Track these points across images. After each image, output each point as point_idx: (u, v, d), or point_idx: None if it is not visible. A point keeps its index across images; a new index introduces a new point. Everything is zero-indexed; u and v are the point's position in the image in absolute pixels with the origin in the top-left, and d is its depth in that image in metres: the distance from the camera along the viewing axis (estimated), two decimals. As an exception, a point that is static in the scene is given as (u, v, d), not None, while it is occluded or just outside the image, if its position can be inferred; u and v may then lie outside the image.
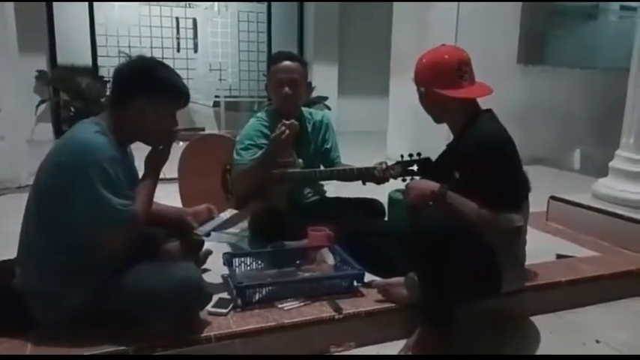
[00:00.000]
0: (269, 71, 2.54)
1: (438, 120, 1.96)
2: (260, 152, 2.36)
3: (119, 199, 1.56)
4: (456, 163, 1.83)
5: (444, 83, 1.83)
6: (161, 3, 7.07)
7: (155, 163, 1.79)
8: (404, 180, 2.28)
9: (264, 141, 2.44)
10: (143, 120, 1.68)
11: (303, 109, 2.65)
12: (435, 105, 1.89)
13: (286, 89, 2.45)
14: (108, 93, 1.81)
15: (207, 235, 1.94)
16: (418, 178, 2.21)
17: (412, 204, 1.82)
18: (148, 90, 1.66)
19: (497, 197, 1.69)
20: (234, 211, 2.06)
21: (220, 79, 7.42)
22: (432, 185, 1.77)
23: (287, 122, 2.21)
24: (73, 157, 1.55)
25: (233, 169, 2.54)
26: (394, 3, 5.20)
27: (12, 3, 3.92)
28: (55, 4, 6.46)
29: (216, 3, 7.33)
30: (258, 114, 2.63)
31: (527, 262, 1.93)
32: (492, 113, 1.88)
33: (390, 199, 2.76)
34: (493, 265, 1.75)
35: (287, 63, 2.48)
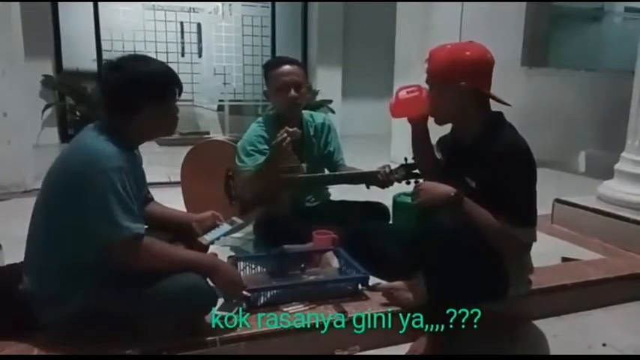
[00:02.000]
0: (268, 77, 2.52)
1: (445, 122, 1.88)
2: (262, 158, 2.36)
3: (124, 214, 1.53)
4: (472, 169, 1.78)
5: (486, 81, 1.78)
6: (165, 7, 7.10)
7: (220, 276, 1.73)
8: (408, 183, 2.29)
9: (265, 146, 2.44)
10: (150, 121, 1.66)
11: (304, 112, 2.65)
12: (464, 104, 1.77)
13: (292, 92, 2.44)
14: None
15: (212, 243, 1.94)
16: (422, 181, 2.20)
17: (423, 207, 1.77)
18: (146, 93, 1.63)
19: (522, 210, 1.69)
20: (239, 220, 2.06)
21: (224, 83, 7.44)
22: (447, 190, 1.71)
23: (290, 130, 2.20)
24: (84, 165, 1.55)
25: (237, 176, 2.54)
26: (398, 6, 5.21)
27: (19, 9, 3.94)
28: (60, 10, 6.50)
29: (220, 7, 7.35)
30: (258, 119, 2.63)
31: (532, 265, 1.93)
32: (512, 125, 1.82)
33: (395, 203, 2.77)
34: (500, 271, 1.74)
35: (289, 66, 2.47)
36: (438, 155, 2.03)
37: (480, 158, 1.74)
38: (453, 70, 1.75)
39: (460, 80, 1.73)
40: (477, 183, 1.75)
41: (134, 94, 1.62)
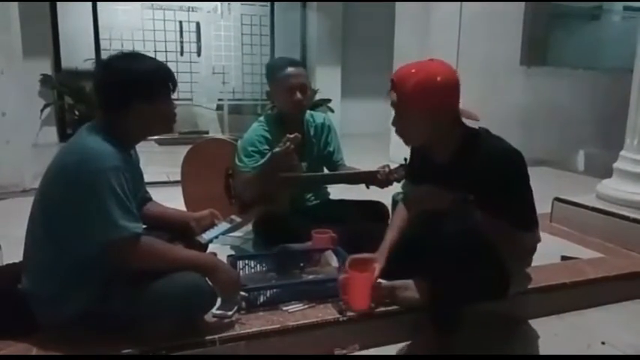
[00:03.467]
0: (272, 78, 2.50)
1: (418, 144, 1.85)
2: (262, 161, 2.35)
3: (122, 213, 1.53)
4: (465, 184, 1.73)
5: (457, 99, 1.73)
6: (164, 6, 7.10)
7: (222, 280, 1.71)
8: (407, 183, 2.28)
9: (266, 147, 2.43)
10: (145, 119, 1.65)
11: None
12: (439, 126, 1.73)
13: (298, 94, 2.45)
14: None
15: (210, 242, 1.94)
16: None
17: (431, 211, 1.77)
18: (140, 90, 1.62)
19: (526, 215, 1.70)
20: (238, 219, 2.06)
21: (223, 83, 7.44)
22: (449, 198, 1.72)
23: (291, 136, 2.18)
24: (80, 165, 1.54)
25: (236, 176, 2.53)
26: (397, 5, 5.21)
27: (17, 8, 3.94)
28: (59, 9, 6.49)
29: (219, 6, 7.35)
30: (260, 118, 2.62)
31: (532, 264, 1.93)
32: (488, 130, 1.79)
33: (395, 202, 2.76)
34: (502, 270, 1.75)
35: (295, 68, 2.48)
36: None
37: (472, 171, 1.70)
38: (425, 98, 1.66)
39: (433, 106, 1.68)
40: (475, 196, 1.71)
41: (126, 93, 1.61)
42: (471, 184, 1.71)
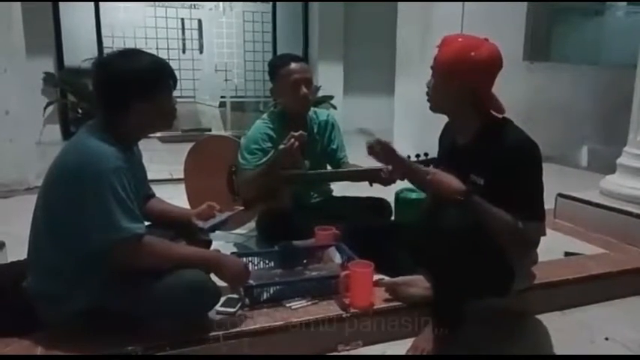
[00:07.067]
0: (276, 75, 2.49)
1: (439, 112, 1.86)
2: (266, 159, 2.34)
3: (124, 214, 1.53)
4: (479, 167, 1.76)
5: (486, 84, 1.75)
6: (166, 4, 7.10)
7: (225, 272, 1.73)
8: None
9: (269, 144, 2.43)
10: (145, 117, 1.64)
11: None
12: (459, 102, 1.77)
13: (304, 89, 2.44)
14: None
15: (212, 231, 1.95)
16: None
17: (438, 196, 1.76)
18: (136, 89, 1.61)
19: (533, 206, 1.69)
20: (238, 208, 2.07)
21: (226, 80, 7.43)
22: (458, 185, 1.71)
23: (295, 134, 2.18)
24: (81, 166, 1.53)
25: (239, 174, 2.53)
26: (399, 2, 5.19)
27: (19, 6, 3.94)
28: (61, 7, 6.49)
29: (221, 4, 7.35)
30: (264, 116, 2.61)
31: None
32: (512, 121, 1.81)
33: (398, 198, 2.76)
34: (505, 266, 1.75)
35: (299, 64, 2.47)
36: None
37: (488, 155, 1.73)
38: (454, 68, 1.72)
39: (458, 80, 1.72)
40: (486, 180, 1.74)
41: (124, 91, 1.60)
42: (484, 168, 1.73)
